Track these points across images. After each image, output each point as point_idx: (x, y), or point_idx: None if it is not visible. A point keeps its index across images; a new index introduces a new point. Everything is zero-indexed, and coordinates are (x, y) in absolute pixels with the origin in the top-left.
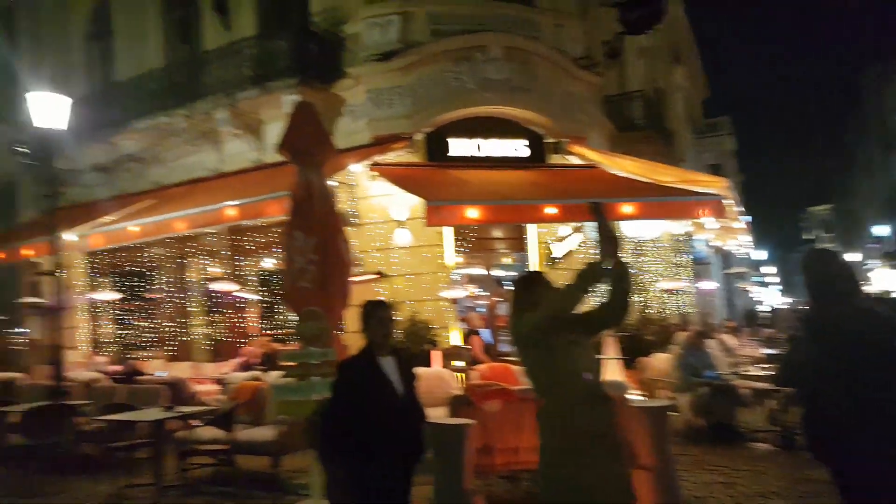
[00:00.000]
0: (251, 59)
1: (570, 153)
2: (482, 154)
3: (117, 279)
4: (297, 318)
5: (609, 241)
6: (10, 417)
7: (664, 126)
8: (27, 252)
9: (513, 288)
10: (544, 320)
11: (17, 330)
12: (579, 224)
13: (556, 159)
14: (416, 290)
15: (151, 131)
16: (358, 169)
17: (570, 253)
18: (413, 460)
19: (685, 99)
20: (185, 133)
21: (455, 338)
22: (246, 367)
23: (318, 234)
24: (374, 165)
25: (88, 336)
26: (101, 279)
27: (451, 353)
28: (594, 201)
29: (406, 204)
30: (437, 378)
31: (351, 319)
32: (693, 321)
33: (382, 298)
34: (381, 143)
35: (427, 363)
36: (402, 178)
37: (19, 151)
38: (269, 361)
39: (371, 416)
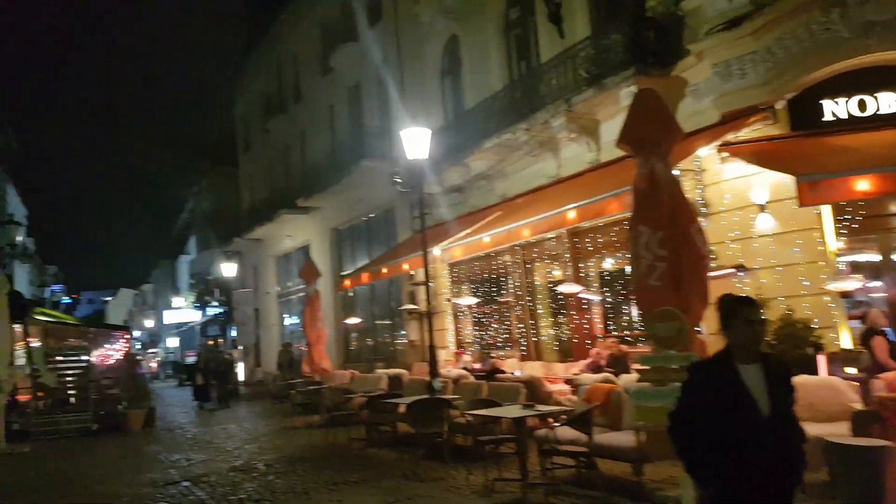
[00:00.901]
0: (586, 60)
1: None
2: (867, 113)
3: (474, 285)
4: (647, 318)
5: None
6: (399, 408)
7: None
8: (405, 267)
9: None
10: None
11: (400, 333)
12: None
13: None
14: (789, 283)
15: (497, 149)
16: (704, 152)
17: None
18: (788, 485)
19: None
20: (525, 145)
21: (846, 339)
22: (595, 368)
23: (666, 228)
24: (724, 146)
25: (454, 337)
26: (461, 286)
27: (841, 358)
28: None
29: (766, 184)
30: (829, 388)
31: (710, 319)
32: None
33: (749, 295)
34: (733, 119)
35: (810, 370)
36: (760, 154)
37: (396, 182)
38: (617, 363)
39: (722, 430)
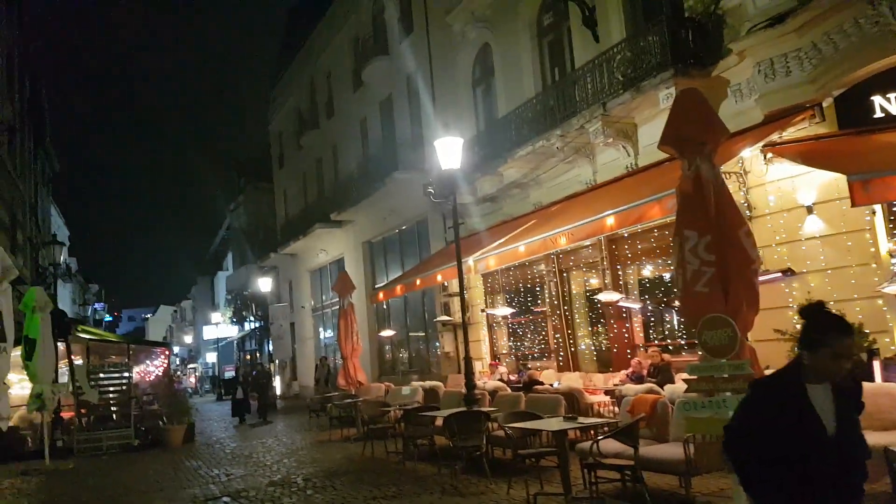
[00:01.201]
0: (622, 63)
1: None
2: None
3: (509, 295)
4: (691, 326)
5: None
6: (436, 421)
7: None
8: (438, 278)
9: None
10: None
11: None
12: None
13: None
14: (840, 287)
15: (531, 156)
16: (748, 154)
17: None
18: (850, 502)
19: None
20: (560, 152)
21: None
22: (636, 378)
23: (713, 232)
24: (769, 146)
25: (489, 348)
26: (495, 296)
27: None
28: None
29: (813, 185)
30: (886, 395)
31: (761, 327)
32: None
33: (846, 320)
34: (778, 118)
35: (864, 376)
36: (808, 154)
37: (429, 192)
38: (659, 373)
39: (785, 448)
